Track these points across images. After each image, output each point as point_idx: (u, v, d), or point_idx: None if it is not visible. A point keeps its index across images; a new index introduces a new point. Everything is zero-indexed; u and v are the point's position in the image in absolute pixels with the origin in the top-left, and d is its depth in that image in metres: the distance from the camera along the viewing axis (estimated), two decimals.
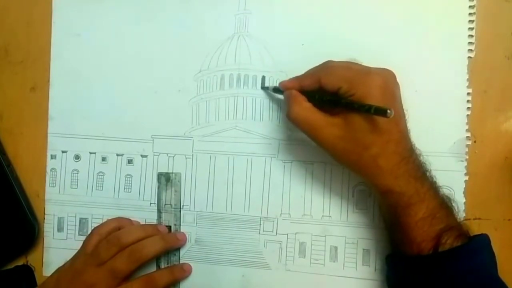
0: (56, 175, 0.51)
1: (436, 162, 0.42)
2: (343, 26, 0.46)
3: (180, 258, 0.49)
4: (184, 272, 0.48)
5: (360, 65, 0.41)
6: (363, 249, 0.46)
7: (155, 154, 0.49)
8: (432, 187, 0.39)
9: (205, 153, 0.49)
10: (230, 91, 0.48)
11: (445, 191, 0.41)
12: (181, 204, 0.49)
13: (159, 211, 0.49)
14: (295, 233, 0.47)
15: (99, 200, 0.50)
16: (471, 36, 0.45)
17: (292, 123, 0.41)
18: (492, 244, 0.39)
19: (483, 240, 0.38)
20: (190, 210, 0.49)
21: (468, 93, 0.45)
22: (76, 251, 0.47)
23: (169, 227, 0.49)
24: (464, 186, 0.45)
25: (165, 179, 0.49)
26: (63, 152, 0.51)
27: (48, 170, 0.51)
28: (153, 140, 0.49)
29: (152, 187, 0.49)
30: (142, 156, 0.50)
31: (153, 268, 0.48)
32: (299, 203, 0.47)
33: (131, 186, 0.50)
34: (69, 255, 0.47)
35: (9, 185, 0.50)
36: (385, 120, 0.36)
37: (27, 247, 0.51)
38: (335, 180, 0.47)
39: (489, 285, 0.37)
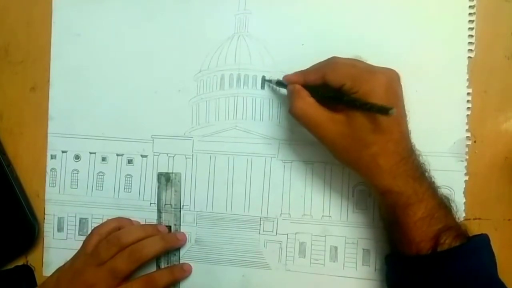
0: (56, 175, 0.51)
1: (436, 162, 0.42)
2: (343, 26, 0.46)
3: (180, 258, 0.49)
4: (184, 272, 0.48)
5: (365, 63, 0.41)
6: (363, 249, 0.46)
7: (155, 154, 0.49)
8: (431, 187, 0.39)
9: (205, 153, 0.49)
10: (230, 91, 0.48)
11: (445, 191, 0.41)
12: (181, 204, 0.49)
13: (159, 211, 0.49)
14: (295, 233, 0.47)
15: (99, 200, 0.50)
16: (471, 36, 0.45)
17: (294, 118, 0.41)
18: (492, 244, 0.39)
19: (483, 240, 0.38)
20: (190, 210, 0.49)
21: (468, 93, 0.45)
22: (76, 251, 0.47)
23: (169, 227, 0.49)
24: (464, 186, 0.45)
25: (165, 179, 0.49)
26: (63, 152, 0.51)
27: (48, 170, 0.51)
28: (153, 140, 0.49)
29: (152, 187, 0.49)
30: (142, 156, 0.50)
31: (153, 268, 0.48)
32: (299, 203, 0.47)
33: (131, 186, 0.50)
34: (69, 255, 0.47)
35: (9, 185, 0.50)
36: (387, 120, 0.37)
37: (27, 247, 0.50)
38: (335, 180, 0.47)
39: (488, 285, 0.37)
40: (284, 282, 0.47)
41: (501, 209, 0.45)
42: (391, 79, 0.39)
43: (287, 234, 0.47)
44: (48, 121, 0.51)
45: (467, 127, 0.45)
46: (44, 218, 0.51)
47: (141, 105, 0.49)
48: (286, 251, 0.47)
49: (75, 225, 0.50)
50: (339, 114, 0.39)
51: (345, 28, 0.46)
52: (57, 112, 0.51)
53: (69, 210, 0.51)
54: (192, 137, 0.49)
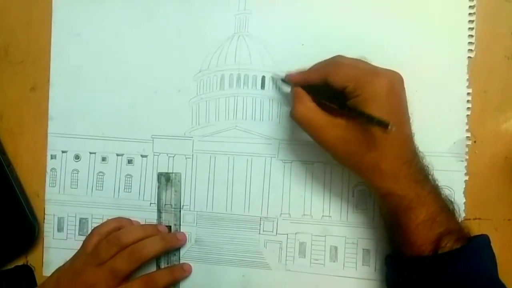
0: (56, 175, 0.51)
1: (436, 162, 0.42)
2: (343, 26, 0.46)
3: (180, 258, 0.49)
4: (184, 272, 0.48)
5: (368, 64, 0.40)
6: (363, 249, 0.46)
7: (155, 154, 0.49)
8: (433, 190, 0.39)
9: (205, 153, 0.49)
10: (230, 91, 0.48)
11: (445, 191, 0.41)
12: (181, 204, 0.49)
13: (159, 211, 0.49)
14: (295, 233, 0.47)
15: (99, 200, 0.50)
16: (471, 36, 0.45)
17: (295, 122, 0.41)
18: (492, 244, 0.39)
19: (483, 241, 0.38)
20: (190, 210, 0.49)
21: (468, 93, 0.45)
22: (76, 251, 0.47)
23: (169, 227, 0.49)
24: (464, 186, 0.45)
25: (165, 179, 0.49)
26: (63, 152, 0.51)
27: (48, 170, 0.51)
28: (153, 140, 0.49)
29: (152, 187, 0.49)
30: (142, 156, 0.50)
31: (153, 268, 0.48)
32: (299, 203, 0.47)
33: (131, 186, 0.50)
34: (69, 255, 0.47)
35: (9, 185, 0.50)
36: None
37: (27, 247, 0.51)
38: (335, 180, 0.47)
39: (488, 285, 0.37)
40: (284, 282, 0.47)
41: (501, 209, 0.45)
42: (394, 81, 0.39)
43: (287, 234, 0.47)
44: (48, 121, 0.51)
45: (467, 127, 0.45)
46: (44, 218, 0.51)
47: (141, 105, 0.49)
48: (286, 251, 0.47)
49: (75, 225, 0.50)
50: (340, 118, 0.39)
51: (345, 28, 0.46)
52: (57, 112, 0.51)
53: (69, 210, 0.51)
54: (192, 137, 0.49)
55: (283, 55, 0.47)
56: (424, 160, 0.40)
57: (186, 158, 0.49)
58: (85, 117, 0.50)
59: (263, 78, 0.47)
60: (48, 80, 0.51)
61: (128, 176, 0.50)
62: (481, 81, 0.45)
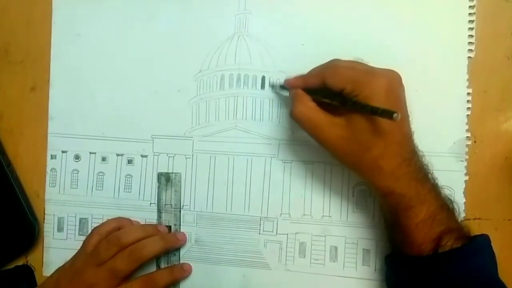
0: (56, 175, 0.51)
1: (436, 162, 0.42)
2: (343, 26, 0.46)
3: (180, 258, 0.49)
4: (184, 272, 0.48)
5: (365, 65, 0.40)
6: (363, 249, 0.46)
7: (155, 154, 0.49)
8: (434, 189, 0.39)
9: (205, 153, 0.49)
10: (230, 91, 0.48)
11: (445, 191, 0.41)
12: (181, 204, 0.49)
13: (159, 211, 0.49)
14: (295, 233, 0.47)
15: (99, 200, 0.50)
16: (471, 36, 0.45)
17: (295, 122, 0.41)
18: (492, 244, 0.39)
19: (483, 241, 0.38)
20: (190, 210, 0.49)
21: (468, 93, 0.45)
22: (76, 251, 0.47)
23: (169, 227, 0.49)
24: (464, 186, 0.45)
25: (165, 179, 0.49)
26: (63, 152, 0.51)
27: (48, 170, 0.51)
28: (153, 140, 0.49)
29: (152, 187, 0.49)
30: (142, 156, 0.50)
31: (153, 268, 0.48)
32: (299, 203, 0.47)
33: (131, 186, 0.50)
34: (69, 255, 0.47)
35: (9, 185, 0.50)
36: (389, 122, 0.36)
37: (27, 247, 0.50)
38: (335, 180, 0.47)
39: (488, 285, 0.37)
40: (284, 282, 0.47)
41: (501, 209, 0.45)
42: (392, 80, 0.39)
43: (287, 234, 0.47)
44: (48, 121, 0.51)
45: (467, 127, 0.45)
46: (44, 218, 0.51)
47: (141, 105, 0.49)
48: (286, 251, 0.47)
49: (75, 225, 0.50)
50: (340, 117, 0.39)
51: (345, 28, 0.46)
52: (57, 112, 0.51)
53: (69, 210, 0.51)
54: (192, 137, 0.49)
55: (283, 55, 0.47)
56: (423, 159, 0.40)
57: (186, 158, 0.49)
58: (85, 117, 0.50)
59: (263, 78, 0.47)
60: (48, 80, 0.51)
61: (128, 176, 0.50)
62: (481, 81, 0.45)
